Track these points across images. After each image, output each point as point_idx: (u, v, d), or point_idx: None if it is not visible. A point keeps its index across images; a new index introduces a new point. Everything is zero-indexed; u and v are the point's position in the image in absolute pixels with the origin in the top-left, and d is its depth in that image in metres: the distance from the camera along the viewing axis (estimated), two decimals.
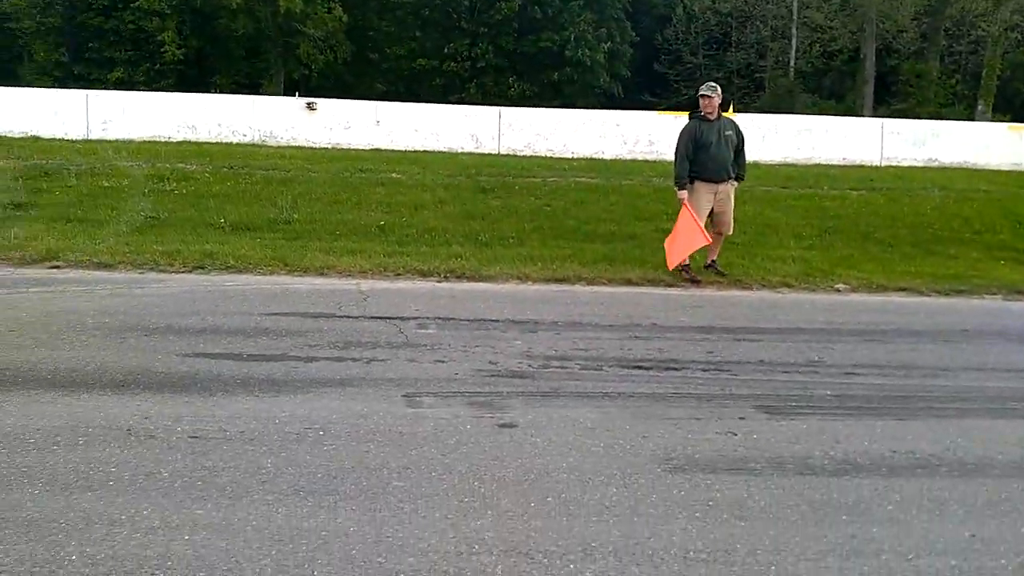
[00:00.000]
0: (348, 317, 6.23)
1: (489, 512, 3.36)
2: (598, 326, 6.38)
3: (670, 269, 8.12)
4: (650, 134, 20.05)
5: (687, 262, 8.15)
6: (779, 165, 17.95)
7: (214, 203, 10.82)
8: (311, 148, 18.69)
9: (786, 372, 5.35)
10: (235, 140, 19.36)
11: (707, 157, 8.04)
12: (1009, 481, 3.88)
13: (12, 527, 3.10)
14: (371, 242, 9.18)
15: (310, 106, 20.12)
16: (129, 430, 4.01)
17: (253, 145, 18.83)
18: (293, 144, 19.23)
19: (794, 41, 38.61)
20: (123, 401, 4.39)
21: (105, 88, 29.02)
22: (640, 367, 5.33)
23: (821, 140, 20.15)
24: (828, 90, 38.91)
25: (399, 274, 7.86)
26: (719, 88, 8.17)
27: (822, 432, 4.35)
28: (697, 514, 3.42)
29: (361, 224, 10.07)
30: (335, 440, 3.99)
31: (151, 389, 4.58)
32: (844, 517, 3.45)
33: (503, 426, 4.24)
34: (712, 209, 8.19)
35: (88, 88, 25.31)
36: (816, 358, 5.68)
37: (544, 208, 11.62)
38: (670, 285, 8.03)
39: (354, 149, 18.78)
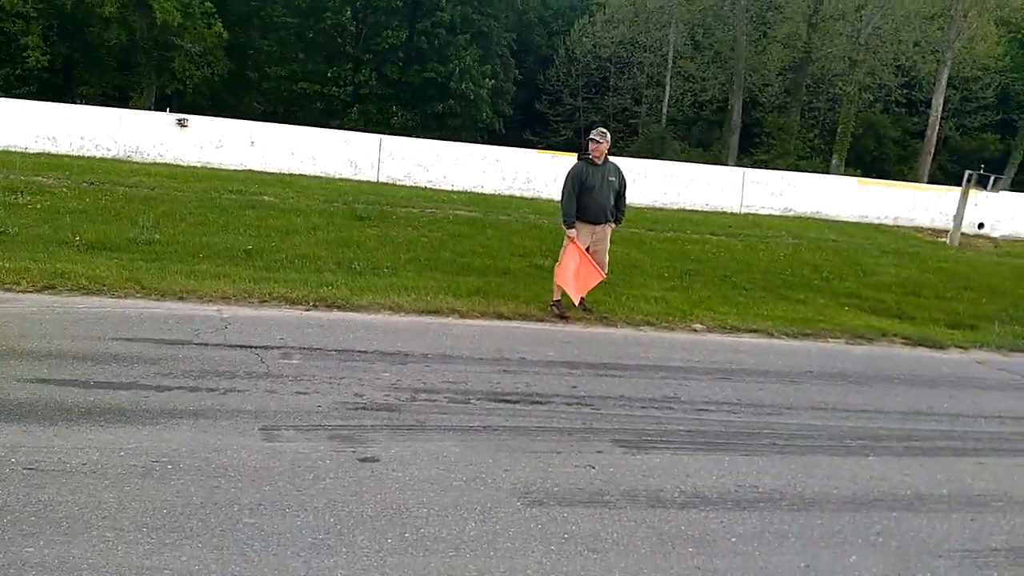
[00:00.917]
0: (206, 345, 5.99)
1: (344, 549, 3.30)
2: (468, 359, 6.41)
3: (577, 304, 8.42)
4: (528, 171, 20.50)
5: (558, 298, 8.36)
6: (647, 208, 18.71)
7: (70, 219, 10.22)
8: (179, 166, 18.03)
9: (643, 407, 5.55)
10: (99, 154, 18.44)
11: (589, 199, 8.34)
12: (843, 515, 4.15)
13: None
14: (237, 266, 8.88)
15: (181, 123, 19.40)
16: None
17: (118, 160, 17.98)
18: (160, 161, 18.49)
19: (668, 89, 40.53)
20: None
21: None
22: (507, 400, 5.39)
23: (687, 186, 21.15)
24: (697, 138, 40.96)
25: (264, 301, 7.63)
26: (608, 134, 8.50)
27: (674, 466, 4.53)
28: (553, 547, 3.49)
29: (227, 247, 9.73)
30: (184, 474, 3.82)
31: None
32: (691, 549, 3.60)
33: (364, 460, 4.19)
34: (588, 248, 8.45)
35: None
36: (672, 394, 5.92)
37: (421, 239, 11.61)
38: (540, 320, 8.18)
39: (225, 169, 18.24)
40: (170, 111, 22.48)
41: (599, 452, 4.62)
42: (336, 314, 7.52)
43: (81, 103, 29.57)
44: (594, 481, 4.22)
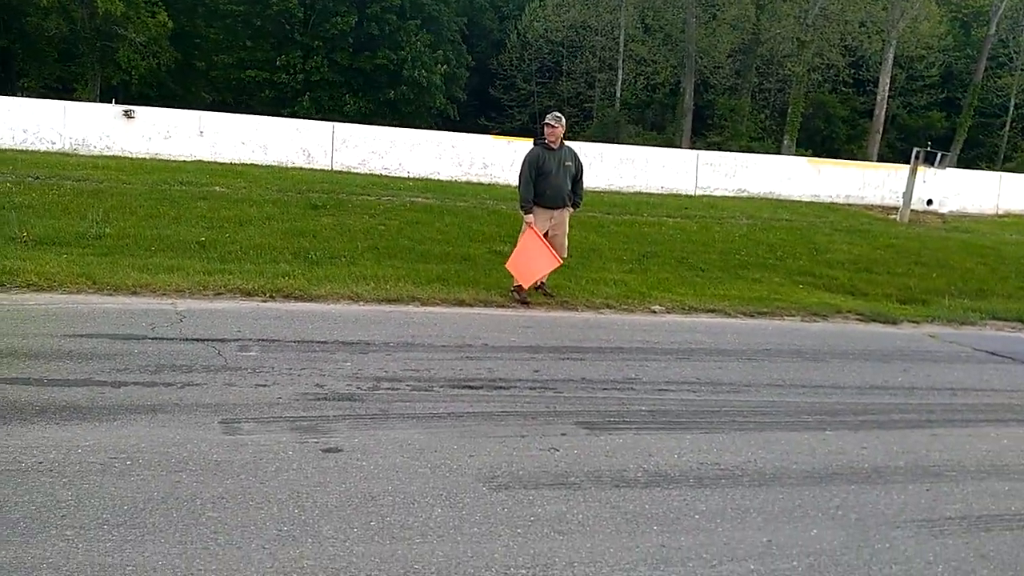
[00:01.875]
0: (162, 339, 5.88)
1: (309, 540, 3.27)
2: (430, 347, 6.38)
3: (526, 288, 8.37)
4: (484, 157, 20.45)
5: (518, 283, 8.37)
6: (604, 192, 18.81)
7: (16, 215, 9.92)
8: (128, 158, 17.63)
9: (605, 389, 5.59)
10: (43, 148, 17.96)
11: (546, 184, 8.35)
12: (802, 489, 4.23)
13: None
14: (190, 259, 8.72)
15: (127, 114, 18.95)
16: None
17: (63, 154, 17.52)
18: (107, 153, 18.07)
19: (620, 73, 40.69)
20: None
21: None
22: (470, 387, 5.38)
23: (642, 169, 21.30)
24: (651, 122, 41.27)
25: (220, 293, 7.51)
26: (563, 118, 8.50)
27: (637, 446, 4.57)
28: (519, 530, 3.50)
29: (179, 240, 9.55)
30: (143, 470, 3.75)
31: None
32: (655, 527, 3.64)
33: (328, 451, 4.15)
34: (547, 233, 8.46)
35: None
36: (633, 375, 5.97)
37: (378, 227, 11.51)
38: (501, 306, 8.18)
39: (175, 160, 17.88)
40: (116, 102, 21.92)
41: (563, 435, 4.65)
42: (294, 305, 7.43)
43: (23, 96, 28.66)
44: (559, 463, 4.24)
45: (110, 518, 3.29)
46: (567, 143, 8.66)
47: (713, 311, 8.78)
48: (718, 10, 38.42)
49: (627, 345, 7.00)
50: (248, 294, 7.57)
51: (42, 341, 5.62)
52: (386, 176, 18.70)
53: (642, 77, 40.20)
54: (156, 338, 5.89)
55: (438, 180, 19.07)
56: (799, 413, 5.50)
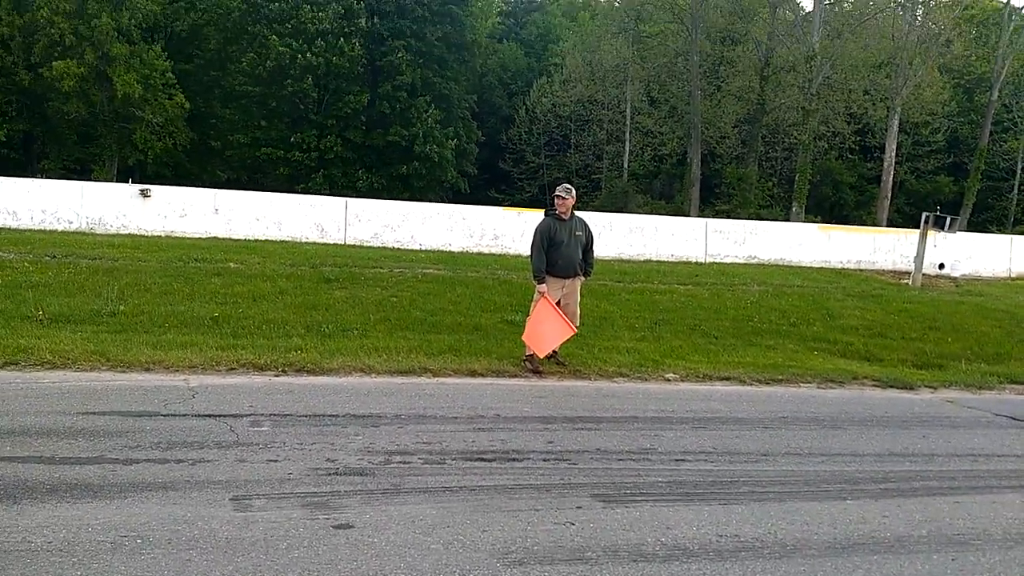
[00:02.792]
0: (174, 415, 5.87)
1: None
2: (442, 418, 6.34)
3: (542, 356, 8.37)
4: (495, 228, 20.66)
5: (531, 352, 8.35)
6: (614, 260, 18.89)
7: (32, 294, 10.04)
8: (143, 236, 17.91)
9: (621, 460, 5.51)
10: (61, 227, 18.30)
11: (558, 254, 8.45)
12: (824, 560, 4.12)
13: None
14: (203, 335, 8.76)
15: (144, 193, 19.34)
16: None
17: (80, 233, 17.82)
18: (124, 232, 18.38)
19: (627, 145, 41.35)
20: None
21: None
22: (483, 459, 5.32)
23: (652, 238, 21.45)
24: (659, 191, 41.71)
25: (232, 368, 7.52)
26: (573, 190, 8.65)
27: (654, 518, 4.48)
28: None
29: (193, 316, 9.61)
30: (154, 549, 3.70)
31: None
32: None
33: (339, 527, 4.09)
34: (559, 302, 8.50)
35: None
36: (648, 445, 5.89)
37: (390, 299, 11.56)
38: (514, 376, 8.15)
39: (190, 238, 18.14)
40: (132, 182, 22.42)
41: (578, 508, 4.57)
42: (306, 378, 7.43)
43: (42, 177, 29.38)
44: (574, 538, 4.16)
45: None
46: (577, 213, 8.76)
47: (728, 379, 8.70)
48: (722, 82, 39.22)
49: (642, 414, 6.94)
50: (260, 369, 7.57)
51: (55, 419, 5.62)
52: (399, 249, 18.90)
53: (649, 148, 40.83)
54: (168, 414, 5.89)
55: (450, 252, 19.24)
56: (819, 482, 5.39)
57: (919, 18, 36.11)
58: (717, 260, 21.27)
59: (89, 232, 18.07)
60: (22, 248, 13.77)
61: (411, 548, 3.90)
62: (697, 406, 7.44)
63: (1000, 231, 35.58)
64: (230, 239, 18.17)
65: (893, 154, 36.33)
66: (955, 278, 21.24)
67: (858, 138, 38.81)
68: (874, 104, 36.72)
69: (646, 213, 29.73)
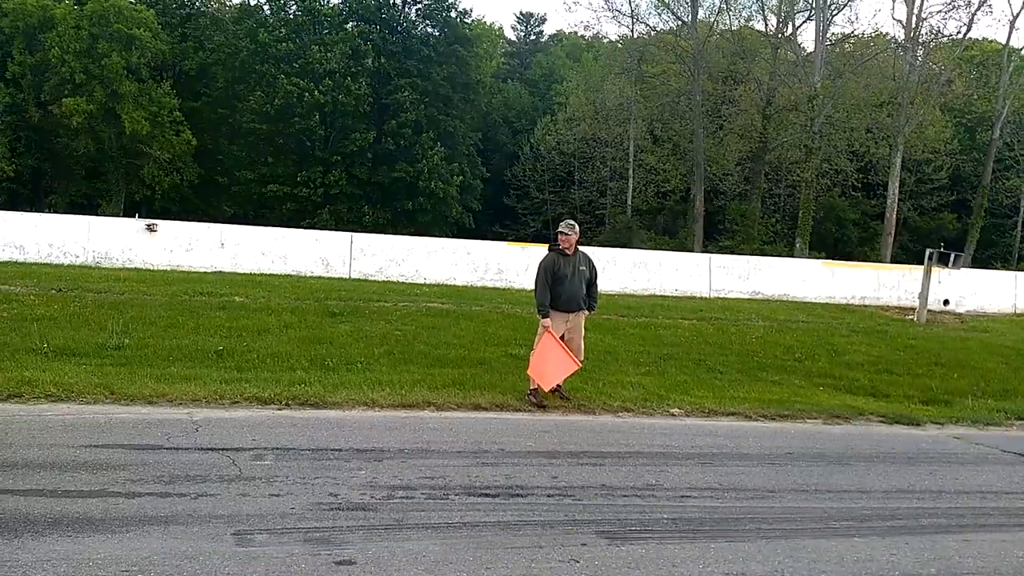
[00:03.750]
0: (177, 449, 5.84)
1: None
2: (445, 453, 6.31)
3: (547, 391, 8.36)
4: (500, 263, 20.71)
5: (535, 387, 8.33)
6: (618, 295, 18.89)
7: (37, 327, 10.06)
8: (149, 270, 17.98)
9: (626, 496, 5.46)
10: (67, 261, 18.38)
11: (562, 289, 8.47)
12: None
13: None
14: (207, 368, 8.75)
15: (150, 227, 19.46)
16: None
17: (86, 267, 17.90)
18: (130, 266, 18.44)
19: (631, 181, 41.59)
20: None
21: None
22: (486, 495, 5.28)
23: (655, 273, 21.46)
24: (662, 227, 41.84)
25: (236, 402, 7.50)
26: (576, 226, 8.70)
27: (660, 557, 4.43)
28: None
29: (197, 349, 9.61)
30: None
31: None
32: None
33: (341, 563, 4.05)
34: (563, 336, 8.49)
35: None
36: (654, 481, 5.84)
37: (394, 333, 11.56)
38: (518, 410, 8.11)
39: (196, 272, 18.21)
40: (139, 217, 22.55)
41: (583, 545, 4.52)
42: (310, 412, 7.40)
43: (49, 212, 29.61)
44: None
45: None
46: (581, 248, 8.79)
47: (733, 414, 8.65)
48: (725, 120, 39.51)
49: (647, 449, 6.89)
50: (264, 402, 7.55)
51: (57, 452, 5.60)
52: (403, 283, 18.92)
53: (652, 185, 41.02)
54: (172, 448, 5.86)
55: (454, 286, 19.26)
56: (826, 519, 5.34)
57: (920, 59, 36.41)
58: (721, 295, 21.25)
59: (95, 266, 18.15)
60: (28, 281, 13.84)
61: None
62: (702, 441, 7.38)
63: (1004, 267, 35.54)
64: (236, 273, 18.23)
65: (896, 191, 36.47)
66: (960, 314, 21.18)
67: (861, 175, 38.96)
68: (876, 142, 36.93)
69: (650, 249, 29.79)
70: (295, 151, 39.33)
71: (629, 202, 41.83)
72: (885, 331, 15.67)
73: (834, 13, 36.64)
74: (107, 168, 37.12)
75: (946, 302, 21.68)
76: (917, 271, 20.89)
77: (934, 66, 36.51)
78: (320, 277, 18.96)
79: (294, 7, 41.41)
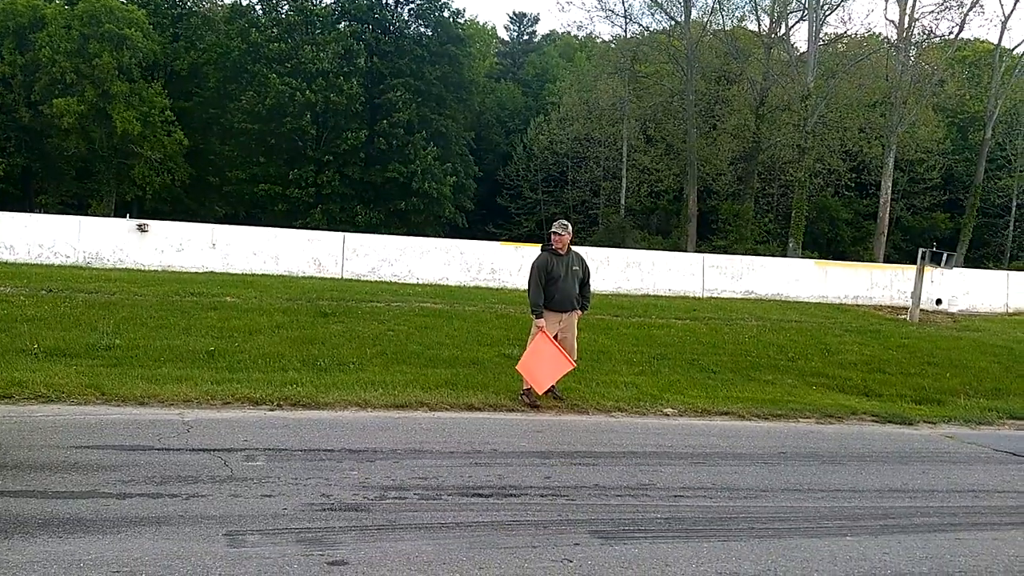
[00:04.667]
0: (168, 449, 5.81)
1: None
2: (438, 453, 6.28)
3: (541, 393, 8.30)
4: (493, 263, 20.69)
5: (528, 387, 8.31)
6: (611, 295, 18.90)
7: (27, 328, 10.00)
8: (140, 270, 17.91)
9: (619, 496, 5.45)
10: (58, 262, 18.28)
11: (555, 289, 8.47)
12: None
13: None
14: (199, 369, 8.71)
15: (141, 227, 19.37)
16: None
17: (77, 267, 17.80)
18: (121, 266, 18.36)
19: (624, 181, 41.63)
20: None
21: None
22: (479, 495, 5.26)
23: (648, 272, 21.47)
24: (655, 227, 41.92)
25: (227, 402, 7.46)
26: (569, 226, 8.69)
27: (653, 556, 4.42)
28: None
29: (189, 350, 9.56)
30: None
31: None
32: None
33: (333, 564, 4.03)
34: (556, 336, 8.48)
35: None
36: (647, 481, 5.83)
37: (387, 333, 11.52)
38: (511, 410, 8.10)
39: (187, 272, 18.14)
40: (130, 217, 22.45)
41: (576, 544, 4.51)
42: (301, 413, 7.37)
43: (39, 212, 29.47)
44: (573, 575, 4.10)
45: None
46: (574, 248, 8.78)
47: (727, 414, 8.65)
48: (718, 120, 39.60)
49: (640, 449, 6.88)
50: (256, 403, 7.52)
51: (48, 453, 5.57)
52: (396, 283, 18.88)
53: (646, 185, 41.09)
54: (163, 448, 5.83)
55: (447, 286, 19.23)
56: (818, 518, 5.34)
57: (912, 59, 36.57)
58: (714, 295, 21.27)
59: (86, 266, 18.06)
60: (18, 282, 13.76)
61: None
62: (695, 441, 7.38)
63: (996, 267, 35.71)
64: (227, 273, 18.17)
65: (889, 191, 36.60)
66: (952, 314, 21.25)
67: (854, 175, 39.10)
68: (869, 142, 37.05)
69: (643, 248, 29.80)
70: (287, 151, 39.21)
71: (622, 202, 41.87)
72: (878, 330, 15.70)
73: (827, 13, 36.83)
74: (98, 168, 36.96)
75: (939, 301, 21.75)
76: (910, 271, 20.94)
77: (926, 66, 36.65)
78: (312, 277, 18.90)
79: (286, 7, 41.31)
